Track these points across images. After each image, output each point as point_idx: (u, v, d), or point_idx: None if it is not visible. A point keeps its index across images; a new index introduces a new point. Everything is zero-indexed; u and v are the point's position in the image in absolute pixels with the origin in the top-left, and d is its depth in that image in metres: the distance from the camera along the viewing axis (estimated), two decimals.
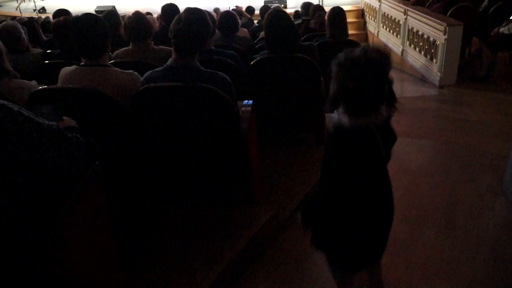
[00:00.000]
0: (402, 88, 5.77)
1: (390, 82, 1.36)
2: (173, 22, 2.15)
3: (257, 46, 3.83)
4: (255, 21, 7.08)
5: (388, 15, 7.44)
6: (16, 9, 11.77)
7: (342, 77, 1.33)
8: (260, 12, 6.60)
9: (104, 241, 1.60)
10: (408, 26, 6.34)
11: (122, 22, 3.71)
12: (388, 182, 1.54)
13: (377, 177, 1.48)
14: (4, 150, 1.11)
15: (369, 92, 1.31)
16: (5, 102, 1.14)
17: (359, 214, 1.50)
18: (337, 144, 1.40)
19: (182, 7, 2.46)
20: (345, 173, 1.40)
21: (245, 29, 4.79)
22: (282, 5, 10.02)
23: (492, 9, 5.66)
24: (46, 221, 1.22)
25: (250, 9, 7.94)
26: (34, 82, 2.30)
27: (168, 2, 4.02)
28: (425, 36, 5.66)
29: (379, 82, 1.33)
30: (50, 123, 1.24)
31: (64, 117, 1.55)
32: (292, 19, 3.13)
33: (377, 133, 1.38)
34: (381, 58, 1.33)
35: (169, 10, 3.88)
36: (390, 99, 1.37)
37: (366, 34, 9.17)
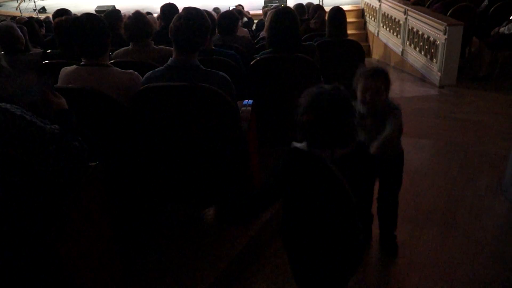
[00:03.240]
0: (402, 88, 5.77)
1: (350, 122, 1.34)
2: (172, 21, 2.16)
3: (257, 46, 3.83)
4: (255, 21, 7.07)
5: (388, 15, 7.44)
6: (16, 9, 11.77)
7: (301, 110, 1.35)
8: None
9: (104, 240, 1.60)
10: (408, 26, 6.34)
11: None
12: (340, 215, 1.44)
13: (319, 206, 1.41)
14: (5, 154, 1.11)
15: (325, 127, 1.31)
16: (8, 106, 1.14)
17: (303, 236, 1.47)
18: (283, 159, 1.40)
19: (182, 7, 2.46)
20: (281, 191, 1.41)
21: (245, 29, 4.79)
22: (282, 5, 10.01)
23: (492, 9, 5.67)
24: (47, 222, 1.22)
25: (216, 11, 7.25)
26: None
27: (168, 1, 4.02)
28: (425, 36, 5.67)
29: (337, 119, 1.31)
30: (53, 126, 1.24)
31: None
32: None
33: (336, 164, 1.34)
34: (343, 98, 1.32)
35: (169, 9, 3.87)
36: (347, 137, 1.35)
37: (366, 34, 9.17)
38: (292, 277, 1.58)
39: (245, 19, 6.87)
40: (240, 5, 7.88)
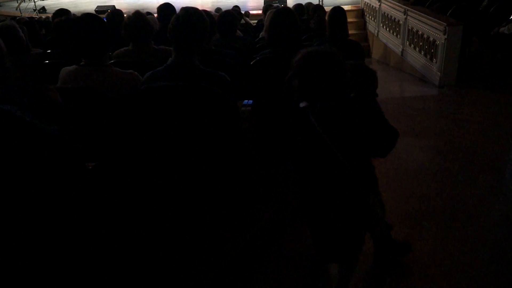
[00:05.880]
0: (402, 88, 5.77)
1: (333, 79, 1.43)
2: (171, 21, 2.16)
3: (257, 46, 3.83)
4: (255, 21, 7.07)
5: (388, 15, 7.44)
6: (16, 9, 11.77)
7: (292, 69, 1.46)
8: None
9: (104, 240, 1.60)
10: (408, 26, 6.35)
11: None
12: (331, 168, 1.50)
13: (309, 158, 1.54)
14: (5, 154, 1.11)
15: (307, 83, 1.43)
16: (8, 107, 1.15)
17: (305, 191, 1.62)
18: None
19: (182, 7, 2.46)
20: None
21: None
22: (282, 5, 10.02)
23: (492, 9, 5.67)
24: (47, 222, 1.22)
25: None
26: None
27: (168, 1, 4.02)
28: (425, 36, 5.67)
29: (315, 75, 1.41)
30: (52, 128, 1.25)
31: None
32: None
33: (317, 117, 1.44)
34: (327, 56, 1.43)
35: (165, 9, 3.87)
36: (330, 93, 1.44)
37: (366, 34, 9.17)
38: (292, 277, 1.59)
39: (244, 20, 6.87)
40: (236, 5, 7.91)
